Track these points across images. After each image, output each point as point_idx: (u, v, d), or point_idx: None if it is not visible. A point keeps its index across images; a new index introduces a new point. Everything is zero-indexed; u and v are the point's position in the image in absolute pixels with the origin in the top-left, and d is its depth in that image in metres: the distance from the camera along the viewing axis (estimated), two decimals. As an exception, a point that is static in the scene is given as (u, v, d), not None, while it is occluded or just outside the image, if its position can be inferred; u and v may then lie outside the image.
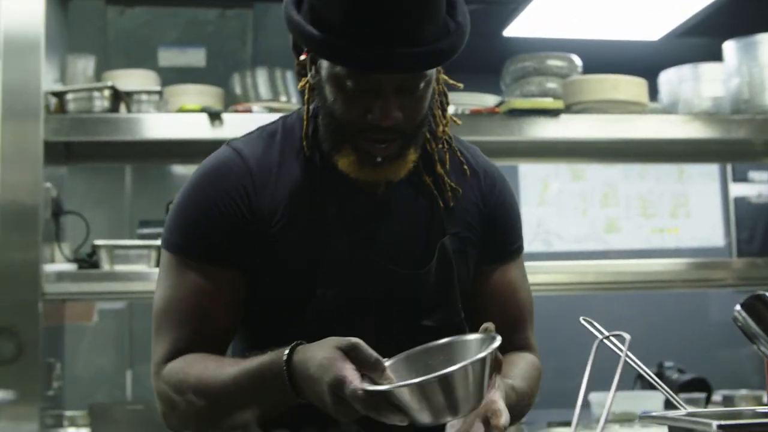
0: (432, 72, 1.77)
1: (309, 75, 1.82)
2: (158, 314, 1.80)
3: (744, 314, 1.62)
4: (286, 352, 1.59)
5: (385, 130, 1.73)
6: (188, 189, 1.83)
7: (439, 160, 1.92)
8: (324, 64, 1.75)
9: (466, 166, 1.96)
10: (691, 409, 3.49)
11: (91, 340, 5.00)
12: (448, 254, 1.86)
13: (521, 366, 1.90)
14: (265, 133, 1.90)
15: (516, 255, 2.03)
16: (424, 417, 1.43)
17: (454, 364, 1.42)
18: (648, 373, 1.83)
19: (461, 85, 2.07)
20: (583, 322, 2.16)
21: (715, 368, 4.99)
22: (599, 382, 3.53)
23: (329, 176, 1.83)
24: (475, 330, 1.64)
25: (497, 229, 1.98)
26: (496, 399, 1.61)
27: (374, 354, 1.50)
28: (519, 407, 1.77)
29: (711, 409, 3.85)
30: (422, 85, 1.75)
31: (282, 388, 1.59)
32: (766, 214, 5.51)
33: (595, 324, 2.13)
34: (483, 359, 1.43)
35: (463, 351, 1.53)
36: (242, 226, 1.78)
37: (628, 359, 1.97)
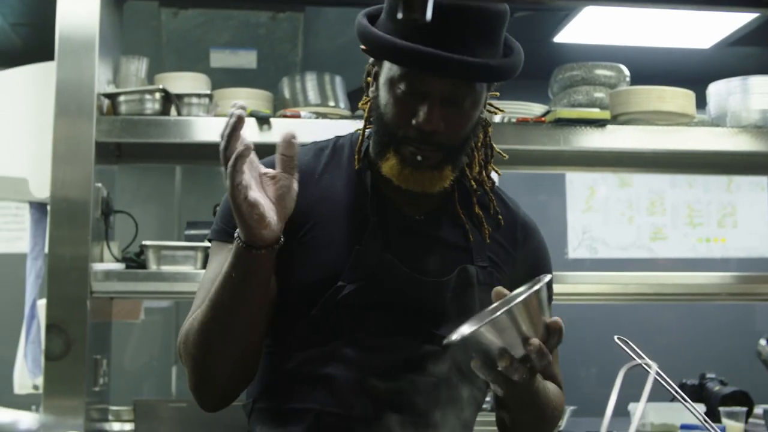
0: (480, 95, 1.87)
1: (369, 90, 1.95)
2: (196, 293, 1.93)
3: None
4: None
5: (427, 137, 1.83)
6: None
7: (478, 202, 2.02)
8: (382, 72, 1.88)
9: (501, 216, 2.04)
10: (731, 423, 3.48)
11: (137, 337, 5.07)
12: (471, 278, 1.94)
13: (549, 385, 1.94)
14: (316, 146, 2.04)
15: None
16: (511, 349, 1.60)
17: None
18: (678, 392, 1.84)
19: (503, 111, 2.13)
20: (617, 341, 2.17)
21: (758, 381, 4.94)
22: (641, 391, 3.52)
23: (374, 193, 1.94)
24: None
25: (526, 279, 2.03)
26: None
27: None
28: (541, 406, 1.84)
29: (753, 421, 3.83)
30: (468, 101, 1.85)
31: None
32: (815, 225, 5.46)
33: (630, 343, 2.15)
34: (537, 291, 1.59)
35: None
36: None
37: (659, 378, 1.98)
